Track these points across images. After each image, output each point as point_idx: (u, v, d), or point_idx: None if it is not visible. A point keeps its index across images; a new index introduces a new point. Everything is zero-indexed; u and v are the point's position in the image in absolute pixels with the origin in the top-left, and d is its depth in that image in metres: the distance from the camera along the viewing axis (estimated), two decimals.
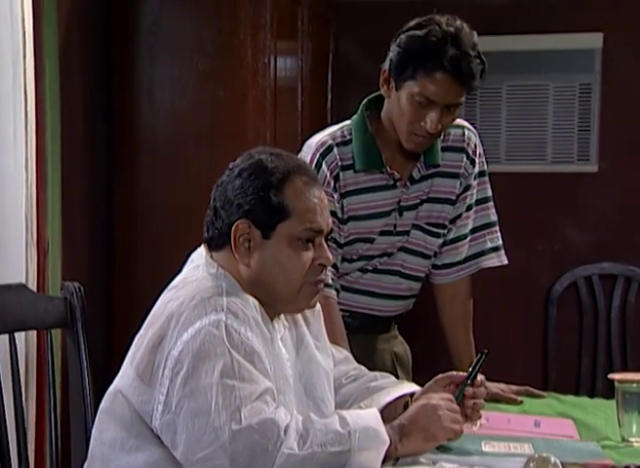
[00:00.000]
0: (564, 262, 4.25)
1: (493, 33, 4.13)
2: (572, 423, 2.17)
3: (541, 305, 4.28)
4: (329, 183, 2.42)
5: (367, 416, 1.75)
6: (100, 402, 1.85)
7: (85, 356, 2.26)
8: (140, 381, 1.73)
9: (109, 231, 3.54)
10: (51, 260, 2.94)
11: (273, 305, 1.86)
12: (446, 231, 2.59)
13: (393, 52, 2.35)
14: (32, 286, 2.84)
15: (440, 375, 2.01)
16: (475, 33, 2.33)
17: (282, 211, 1.80)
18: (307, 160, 2.42)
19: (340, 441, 1.66)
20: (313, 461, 1.63)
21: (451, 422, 1.82)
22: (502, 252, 2.63)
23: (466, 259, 2.61)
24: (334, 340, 2.25)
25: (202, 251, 1.91)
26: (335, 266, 2.47)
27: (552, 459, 1.67)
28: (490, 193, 2.63)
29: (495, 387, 2.51)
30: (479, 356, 1.94)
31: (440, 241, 2.59)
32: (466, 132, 2.56)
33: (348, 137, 2.47)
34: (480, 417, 1.99)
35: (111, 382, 1.83)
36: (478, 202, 2.61)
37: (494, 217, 2.64)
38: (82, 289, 2.30)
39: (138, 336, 1.80)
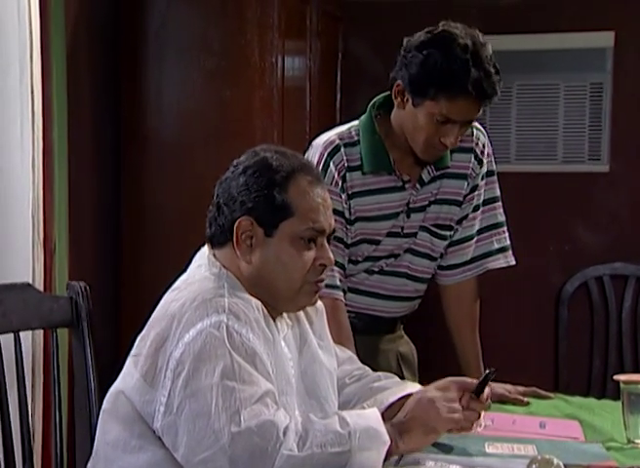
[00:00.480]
0: (575, 262, 4.22)
1: (503, 32, 4.13)
2: (578, 424, 2.16)
3: (552, 306, 4.25)
4: (337, 183, 2.41)
5: (367, 416, 1.74)
6: None
7: (90, 356, 2.25)
8: (142, 382, 1.72)
9: (116, 231, 3.54)
10: (57, 260, 2.95)
11: (274, 303, 1.85)
12: (452, 232, 2.57)
13: (409, 67, 2.30)
14: (39, 286, 2.85)
15: (453, 378, 1.97)
16: (489, 44, 2.29)
17: (285, 209, 1.80)
18: (315, 159, 2.42)
19: (339, 441, 1.65)
20: (313, 462, 1.62)
21: (449, 412, 1.82)
22: (510, 252, 2.61)
23: (472, 260, 2.59)
24: (340, 342, 2.24)
25: (205, 250, 1.91)
26: (342, 266, 2.46)
27: (555, 461, 1.66)
28: (498, 193, 2.61)
29: (501, 388, 2.50)
30: (486, 373, 1.91)
31: (446, 243, 2.58)
32: (475, 131, 2.54)
33: (356, 138, 2.45)
34: (472, 427, 1.95)
35: None
36: (486, 202, 2.59)
37: (501, 218, 2.61)
38: (88, 288, 2.29)
39: (140, 337, 1.80)
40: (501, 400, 2.45)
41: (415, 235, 2.53)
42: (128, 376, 1.77)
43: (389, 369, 2.39)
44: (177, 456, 1.67)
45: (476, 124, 2.56)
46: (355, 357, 2.19)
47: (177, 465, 1.68)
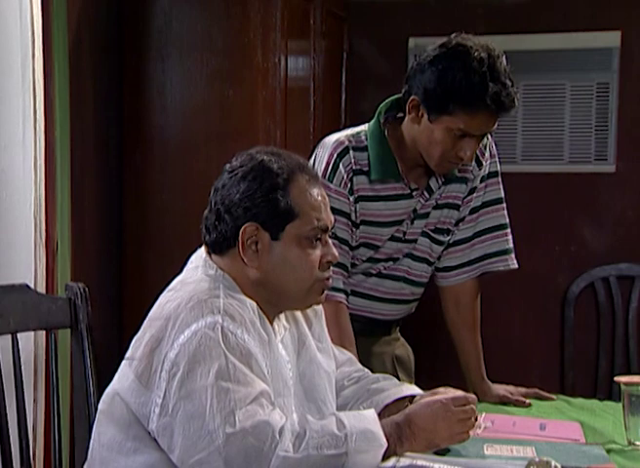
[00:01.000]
0: (581, 263, 4.20)
1: (509, 32, 4.13)
2: (579, 426, 2.15)
3: (558, 306, 4.23)
4: (345, 184, 2.40)
5: (365, 418, 1.73)
6: None
7: (89, 357, 2.25)
8: (138, 383, 1.71)
9: (119, 231, 3.54)
10: (60, 261, 2.95)
11: (280, 304, 1.86)
12: (450, 236, 2.56)
13: (425, 81, 2.28)
14: (41, 286, 2.85)
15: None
16: (503, 55, 2.27)
17: (290, 211, 1.79)
18: (324, 158, 2.41)
19: (336, 444, 1.64)
20: (309, 464, 1.61)
21: (459, 433, 1.81)
22: (512, 255, 2.58)
23: (471, 262, 2.57)
24: (342, 345, 2.24)
25: (201, 252, 1.91)
26: (345, 269, 2.46)
27: (553, 463, 1.64)
28: (502, 195, 2.58)
29: (503, 390, 2.49)
30: None
31: (443, 247, 2.57)
32: None
33: (365, 143, 2.43)
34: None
35: None
36: (488, 203, 2.56)
37: (504, 220, 2.58)
38: (86, 289, 2.29)
39: (135, 338, 1.79)
40: (503, 401, 2.44)
41: (415, 240, 2.52)
42: (123, 378, 1.77)
43: (384, 371, 2.37)
44: (172, 458, 1.66)
45: None
46: (354, 359, 2.18)
47: (172, 467, 1.67)
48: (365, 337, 2.52)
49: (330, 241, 1.87)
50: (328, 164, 2.40)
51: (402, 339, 2.72)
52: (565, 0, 4.19)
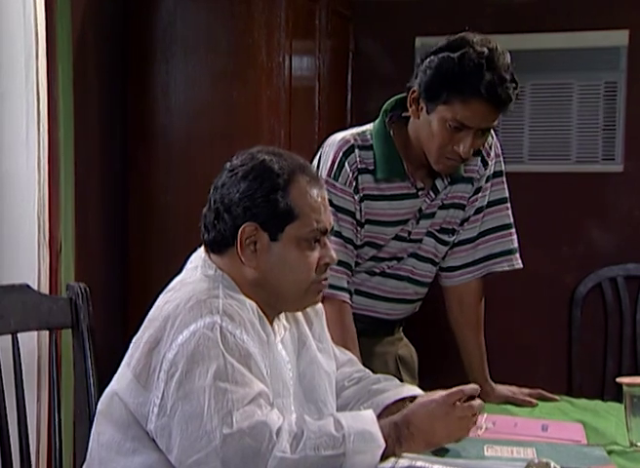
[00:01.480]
0: (588, 263, 4.18)
1: (516, 31, 4.11)
2: (581, 427, 2.14)
3: (565, 307, 4.21)
4: (350, 183, 2.39)
5: (363, 419, 1.72)
6: None
7: (90, 357, 2.25)
8: (136, 383, 1.71)
9: (123, 231, 3.53)
10: (63, 261, 2.94)
11: (277, 305, 1.85)
12: (455, 236, 2.55)
13: (424, 73, 2.27)
14: (44, 287, 2.85)
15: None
16: (508, 53, 2.26)
17: (289, 213, 1.78)
18: (330, 157, 2.41)
19: (333, 445, 1.63)
20: (306, 465, 1.60)
21: (457, 429, 1.81)
22: (516, 255, 2.56)
23: (475, 262, 2.56)
24: (344, 345, 2.23)
25: (201, 252, 1.90)
26: (350, 268, 2.44)
27: (552, 465, 1.63)
28: (506, 194, 2.57)
29: (507, 390, 2.48)
30: None
31: (448, 247, 2.56)
32: None
33: (370, 142, 2.42)
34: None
35: None
36: (493, 203, 2.55)
37: (508, 220, 2.57)
38: (87, 289, 2.28)
39: (135, 338, 1.79)
40: (509, 401, 2.43)
41: (420, 240, 2.51)
42: (122, 378, 1.77)
43: (387, 371, 2.36)
44: (170, 458, 1.65)
45: None
46: (356, 359, 2.17)
47: None
48: (368, 338, 2.51)
49: (328, 243, 1.85)
50: (333, 162, 2.40)
51: (405, 339, 2.71)
52: None
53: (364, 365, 2.17)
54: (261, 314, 1.80)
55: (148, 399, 1.68)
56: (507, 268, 2.56)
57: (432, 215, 2.49)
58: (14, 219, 2.84)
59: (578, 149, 4.21)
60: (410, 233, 2.48)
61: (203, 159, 3.37)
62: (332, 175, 2.38)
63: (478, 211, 2.54)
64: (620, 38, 4.12)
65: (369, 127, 2.47)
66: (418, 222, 2.48)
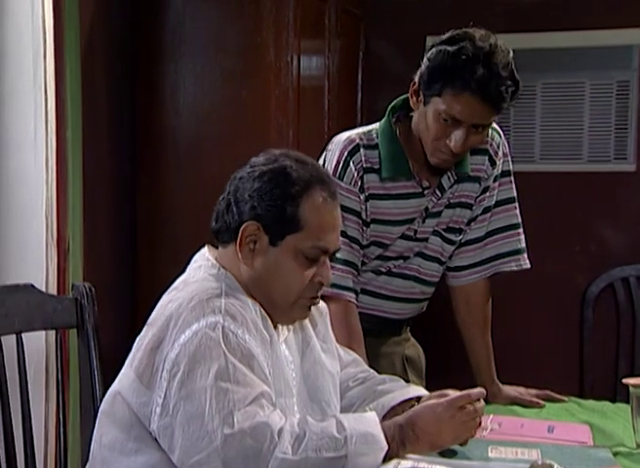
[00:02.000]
0: (600, 263, 4.16)
1: (528, 30, 4.10)
2: (588, 429, 2.13)
3: (577, 307, 4.19)
4: (356, 183, 2.39)
5: (365, 420, 1.71)
6: None
7: (95, 357, 2.25)
8: (139, 383, 1.71)
9: (132, 231, 3.53)
10: (72, 261, 2.94)
11: (269, 310, 1.83)
12: (462, 236, 2.54)
13: (424, 64, 2.28)
14: (52, 287, 2.85)
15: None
16: (511, 52, 2.24)
17: (294, 223, 1.77)
18: (335, 156, 2.40)
19: (335, 446, 1.62)
20: (308, 466, 1.59)
21: (463, 432, 1.79)
22: (524, 255, 2.55)
23: (482, 262, 2.55)
24: (350, 345, 2.22)
25: (205, 251, 1.91)
26: (356, 267, 2.44)
27: (555, 466, 1.62)
28: (514, 194, 2.56)
29: (514, 391, 2.47)
30: None
31: (455, 246, 2.55)
32: (490, 131, 2.47)
33: (376, 141, 2.42)
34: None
35: None
36: (500, 203, 2.54)
37: (516, 220, 2.56)
38: (92, 289, 2.28)
39: (138, 338, 1.80)
40: (515, 402, 2.41)
41: (427, 239, 2.50)
42: (124, 377, 1.77)
43: (394, 372, 2.36)
44: (172, 458, 1.65)
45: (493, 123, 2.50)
46: (360, 359, 2.16)
47: None
48: (374, 338, 2.50)
49: (328, 263, 1.83)
50: (338, 162, 2.39)
51: (412, 339, 2.71)
52: None
53: (371, 365, 2.15)
54: (264, 314, 1.80)
55: (151, 399, 1.68)
56: (515, 268, 2.54)
57: (439, 214, 2.48)
58: (22, 219, 2.84)
59: (589, 149, 4.19)
60: (416, 232, 2.47)
61: (211, 159, 3.37)
62: (337, 175, 2.37)
63: (486, 210, 2.52)
64: (632, 37, 4.10)
65: (375, 126, 2.47)
66: (424, 221, 2.47)
